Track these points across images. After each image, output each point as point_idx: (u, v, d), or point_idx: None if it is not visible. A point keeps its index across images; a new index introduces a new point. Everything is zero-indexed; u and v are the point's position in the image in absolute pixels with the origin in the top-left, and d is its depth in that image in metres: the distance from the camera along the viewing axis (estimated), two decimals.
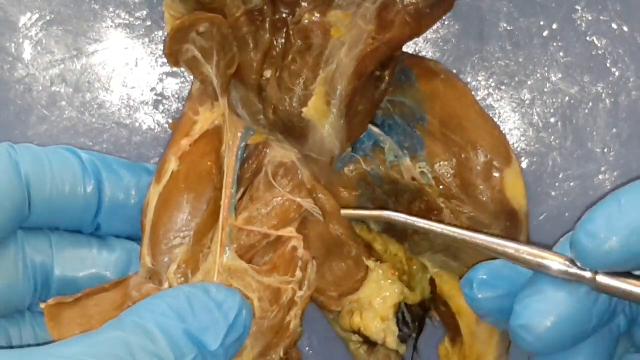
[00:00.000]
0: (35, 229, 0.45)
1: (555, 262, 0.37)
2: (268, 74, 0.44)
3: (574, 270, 0.37)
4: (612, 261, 0.36)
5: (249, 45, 0.43)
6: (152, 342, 0.37)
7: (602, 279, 0.36)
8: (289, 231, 0.45)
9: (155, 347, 0.37)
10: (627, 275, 0.36)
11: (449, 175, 0.45)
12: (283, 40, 0.43)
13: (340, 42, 0.42)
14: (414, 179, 0.45)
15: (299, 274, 0.45)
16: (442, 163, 0.45)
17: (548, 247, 0.38)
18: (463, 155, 0.45)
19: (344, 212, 0.45)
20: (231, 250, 0.44)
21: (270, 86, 0.43)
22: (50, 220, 0.45)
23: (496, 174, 0.45)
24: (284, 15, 0.43)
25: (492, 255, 0.39)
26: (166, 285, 0.44)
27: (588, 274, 0.36)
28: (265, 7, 0.43)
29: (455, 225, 0.42)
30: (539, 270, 0.37)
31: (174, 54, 0.44)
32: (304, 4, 0.43)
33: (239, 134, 0.45)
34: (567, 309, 0.37)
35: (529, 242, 0.41)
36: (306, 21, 0.42)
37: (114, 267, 0.46)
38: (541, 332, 0.37)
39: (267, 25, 0.43)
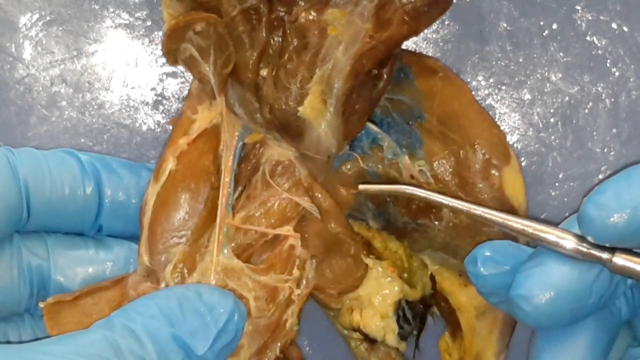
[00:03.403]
0: (32, 232, 0.45)
1: (569, 242, 0.37)
2: (264, 72, 0.44)
3: (592, 250, 0.37)
4: (618, 233, 0.36)
5: (244, 44, 0.43)
6: (139, 344, 0.37)
7: (617, 259, 0.36)
8: (287, 230, 0.45)
9: (141, 350, 0.37)
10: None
11: (447, 174, 0.45)
12: (279, 39, 0.43)
13: (337, 41, 0.42)
14: (412, 177, 0.45)
15: (296, 272, 0.45)
16: (440, 161, 0.45)
17: (555, 224, 0.39)
18: (461, 153, 0.45)
19: (362, 186, 0.44)
20: (228, 249, 0.44)
21: (267, 85, 0.43)
22: (51, 223, 0.45)
23: (495, 172, 0.45)
24: (281, 14, 0.43)
25: (509, 233, 0.40)
26: (163, 285, 0.44)
27: (605, 255, 0.36)
28: (262, 6, 0.43)
29: (473, 202, 0.42)
30: (555, 249, 0.37)
31: (171, 53, 0.44)
32: (301, 3, 0.43)
33: (237, 133, 0.45)
34: (568, 281, 0.37)
35: (543, 220, 0.41)
36: (302, 19, 0.42)
37: (112, 267, 0.46)
38: (540, 302, 0.37)
39: (263, 24, 0.43)
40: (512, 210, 0.45)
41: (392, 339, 0.46)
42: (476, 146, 0.45)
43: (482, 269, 0.40)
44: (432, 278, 0.47)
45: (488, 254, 0.40)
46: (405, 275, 0.47)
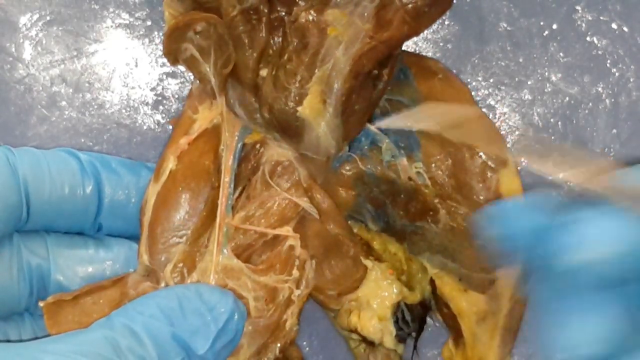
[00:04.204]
0: (31, 231, 0.45)
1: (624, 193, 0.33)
2: (264, 72, 0.44)
3: None
4: None
5: (244, 44, 0.43)
6: (139, 344, 0.37)
7: None
8: (286, 230, 0.45)
9: (141, 350, 0.37)
10: None
11: (444, 176, 0.45)
12: (279, 39, 0.43)
13: (337, 41, 0.42)
14: (410, 178, 0.45)
15: (295, 272, 0.45)
16: (437, 163, 0.45)
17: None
18: (458, 156, 0.45)
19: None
20: (228, 249, 0.44)
21: (266, 85, 0.43)
22: (51, 222, 0.45)
23: (491, 175, 0.45)
24: (281, 14, 0.43)
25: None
26: (163, 284, 0.44)
27: None
28: (261, 6, 0.43)
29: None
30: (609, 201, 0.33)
31: (172, 53, 0.44)
32: (301, 3, 0.43)
33: (237, 133, 0.45)
34: (625, 237, 0.32)
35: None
36: (302, 20, 0.42)
37: (112, 267, 0.46)
38: (588, 256, 0.32)
39: (263, 24, 0.43)
40: None
41: (389, 341, 0.45)
42: (473, 148, 0.45)
43: (509, 216, 0.35)
44: (432, 282, 0.47)
45: (519, 204, 0.36)
46: (404, 277, 0.47)
